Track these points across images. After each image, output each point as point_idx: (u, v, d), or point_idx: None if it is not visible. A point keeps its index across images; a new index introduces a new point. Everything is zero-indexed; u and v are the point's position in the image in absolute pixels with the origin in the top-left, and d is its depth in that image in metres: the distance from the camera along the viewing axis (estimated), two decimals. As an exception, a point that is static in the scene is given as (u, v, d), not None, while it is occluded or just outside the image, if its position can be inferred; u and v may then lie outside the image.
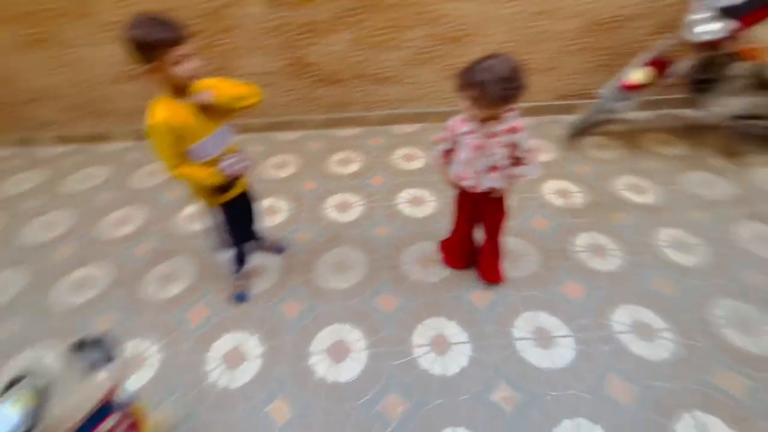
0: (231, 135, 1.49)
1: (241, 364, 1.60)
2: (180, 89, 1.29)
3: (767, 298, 1.70)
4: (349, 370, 1.55)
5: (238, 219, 1.69)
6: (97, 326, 1.77)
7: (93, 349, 1.09)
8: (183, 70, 1.24)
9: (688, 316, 1.65)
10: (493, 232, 1.70)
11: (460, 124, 1.44)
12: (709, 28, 1.97)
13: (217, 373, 1.58)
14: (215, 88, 1.35)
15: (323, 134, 2.92)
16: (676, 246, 1.94)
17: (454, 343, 1.61)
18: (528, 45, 2.59)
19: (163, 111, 1.29)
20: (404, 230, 2.12)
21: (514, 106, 1.32)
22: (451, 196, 2.31)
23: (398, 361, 1.57)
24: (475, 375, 1.51)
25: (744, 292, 1.73)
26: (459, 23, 2.51)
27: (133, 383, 1.56)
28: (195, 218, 2.26)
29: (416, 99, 2.85)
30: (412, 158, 2.62)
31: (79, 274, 2.03)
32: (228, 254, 1.75)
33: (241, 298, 1.83)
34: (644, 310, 1.68)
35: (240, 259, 1.79)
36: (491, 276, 1.79)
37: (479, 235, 1.78)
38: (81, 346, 1.09)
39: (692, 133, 2.68)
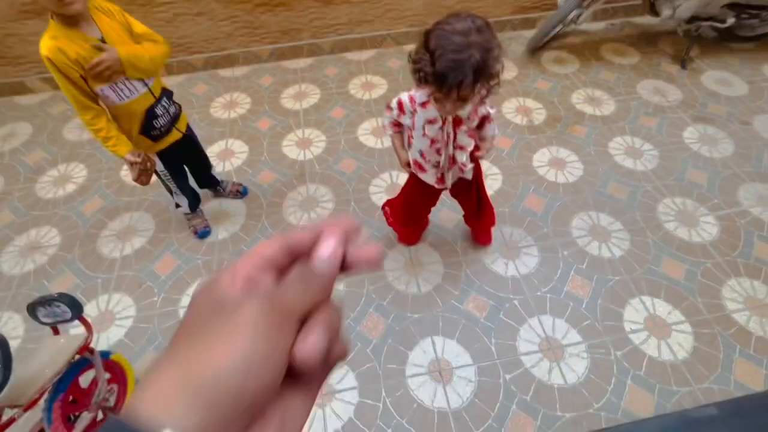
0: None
1: (218, 307, 1.60)
2: (70, 19, 1.11)
3: (703, 192, 1.85)
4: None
5: (178, 167, 1.62)
6: (53, 291, 1.68)
7: (53, 307, 1.04)
8: None
9: (639, 215, 1.78)
10: (479, 200, 1.50)
11: (414, 102, 1.15)
12: None
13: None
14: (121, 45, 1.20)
15: (274, 67, 2.69)
16: (629, 153, 2.03)
17: (426, 263, 1.67)
18: (484, -49, 2.41)
19: (51, 42, 1.10)
20: (370, 162, 2.08)
21: (485, 90, 1.03)
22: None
23: (374, 286, 1.62)
24: (447, 289, 1.59)
25: (687, 189, 1.87)
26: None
27: (110, 337, 1.53)
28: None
29: (369, 21, 2.64)
30: (371, 87, 2.49)
31: (22, 241, 1.87)
32: (179, 200, 1.69)
33: (204, 234, 1.80)
34: (601, 215, 1.79)
35: (193, 204, 1.74)
36: (484, 239, 1.70)
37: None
38: (41, 303, 1.02)
39: (646, 40, 2.70)
